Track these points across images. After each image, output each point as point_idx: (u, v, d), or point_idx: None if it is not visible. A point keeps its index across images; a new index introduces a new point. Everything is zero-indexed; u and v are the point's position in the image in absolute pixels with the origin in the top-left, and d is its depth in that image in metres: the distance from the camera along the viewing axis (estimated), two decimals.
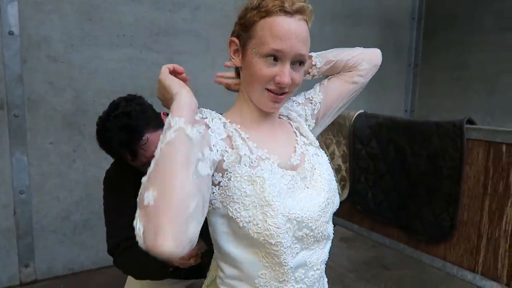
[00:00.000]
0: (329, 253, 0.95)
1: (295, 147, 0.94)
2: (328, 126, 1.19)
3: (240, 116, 0.93)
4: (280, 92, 0.86)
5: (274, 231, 0.78)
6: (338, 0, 3.82)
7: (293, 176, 0.86)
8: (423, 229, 1.59)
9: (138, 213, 0.66)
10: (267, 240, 0.78)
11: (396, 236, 1.79)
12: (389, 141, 1.74)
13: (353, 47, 1.17)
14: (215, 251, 0.91)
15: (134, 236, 1.25)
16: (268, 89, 0.86)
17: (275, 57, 0.83)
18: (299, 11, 0.84)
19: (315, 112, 1.06)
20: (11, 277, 2.61)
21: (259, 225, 0.78)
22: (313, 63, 1.07)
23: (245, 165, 0.81)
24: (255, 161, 0.83)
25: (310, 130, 1.03)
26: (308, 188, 0.88)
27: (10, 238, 2.58)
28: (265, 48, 0.83)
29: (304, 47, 0.85)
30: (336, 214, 0.97)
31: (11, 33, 2.43)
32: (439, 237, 1.54)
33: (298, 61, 0.86)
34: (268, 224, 0.77)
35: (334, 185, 0.95)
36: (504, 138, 1.37)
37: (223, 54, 3.45)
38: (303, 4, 0.85)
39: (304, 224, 0.82)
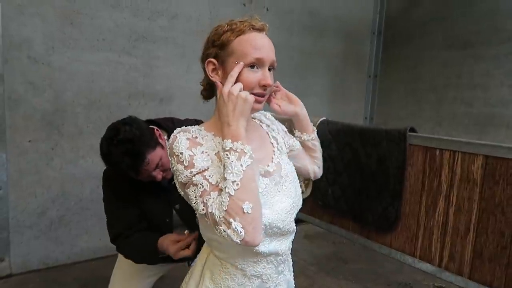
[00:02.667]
0: (292, 249, 1.15)
1: (272, 157, 1.09)
2: None
3: (218, 125, 1.02)
4: (263, 94, 1.01)
5: None
6: (304, 13, 4.10)
7: (267, 183, 1.01)
8: (373, 220, 1.86)
9: (235, 222, 0.85)
10: None
11: (351, 228, 2.05)
12: (346, 144, 2.00)
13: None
14: (205, 239, 1.10)
15: (131, 227, 1.50)
16: (253, 93, 0.98)
17: (257, 65, 0.98)
18: (263, 29, 1.03)
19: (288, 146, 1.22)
20: None
21: None
22: (311, 137, 1.27)
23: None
24: None
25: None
26: (279, 192, 1.04)
27: None
28: (247, 58, 0.97)
29: (274, 55, 1.03)
30: (300, 210, 1.17)
31: None
32: (386, 227, 1.82)
33: (272, 67, 1.03)
34: None
35: (299, 190, 1.12)
36: (437, 144, 1.66)
37: (198, 61, 3.64)
38: (263, 23, 1.04)
39: (274, 225, 0.99)
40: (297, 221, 1.15)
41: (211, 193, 0.90)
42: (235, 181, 0.86)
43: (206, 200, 0.90)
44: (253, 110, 1.01)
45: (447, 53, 4.02)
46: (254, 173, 0.90)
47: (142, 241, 1.55)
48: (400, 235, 1.83)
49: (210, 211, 0.89)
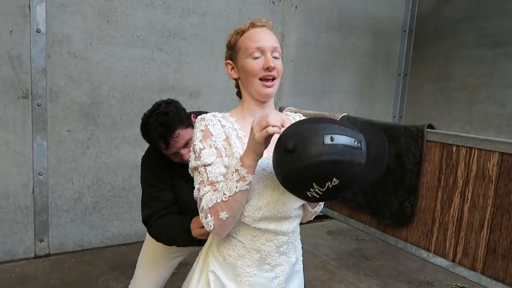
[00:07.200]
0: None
1: None
2: None
3: (241, 113, 1.21)
4: (270, 78, 1.14)
5: (248, 207, 1.10)
6: (333, 11, 4.12)
7: None
8: (390, 215, 1.89)
9: (211, 217, 1.07)
10: (243, 214, 1.11)
11: (368, 222, 2.09)
12: None
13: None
14: None
15: (168, 207, 1.57)
16: (260, 79, 1.13)
17: (258, 53, 1.13)
18: (265, 25, 1.19)
19: None
20: (26, 249, 2.90)
21: None
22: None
23: (235, 158, 1.08)
24: None
25: None
26: None
27: (27, 215, 2.87)
28: (249, 50, 1.14)
29: (275, 43, 1.16)
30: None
31: (38, 31, 2.73)
32: (402, 221, 1.85)
33: (276, 53, 1.16)
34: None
35: None
36: (454, 140, 1.68)
37: None
38: (266, 22, 1.20)
39: (271, 207, 1.11)
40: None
41: (206, 186, 1.10)
42: (225, 194, 1.04)
43: (201, 188, 1.10)
44: (265, 95, 1.16)
45: (479, 52, 3.94)
46: (243, 197, 1.05)
47: (176, 220, 1.66)
48: (415, 230, 1.86)
49: (200, 198, 1.10)
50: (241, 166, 1.01)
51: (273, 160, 1.03)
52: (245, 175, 1.01)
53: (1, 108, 2.70)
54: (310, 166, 0.94)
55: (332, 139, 0.93)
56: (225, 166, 1.11)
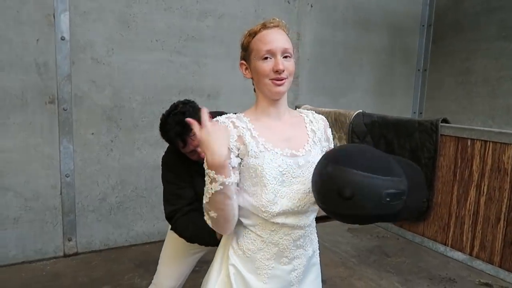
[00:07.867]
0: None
1: (305, 144, 1.23)
2: (332, 123, 1.52)
3: (255, 113, 1.25)
4: (280, 78, 1.17)
5: (266, 203, 1.15)
6: (349, 7, 4.12)
7: (290, 164, 1.17)
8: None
9: (206, 216, 1.15)
10: (261, 209, 1.17)
11: None
12: (380, 136, 2.05)
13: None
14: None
15: (191, 204, 1.63)
16: (271, 79, 1.16)
17: (269, 55, 1.15)
18: (276, 26, 1.20)
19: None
20: (56, 248, 3.03)
21: (258, 198, 1.15)
22: None
23: (251, 156, 1.15)
24: (259, 153, 1.15)
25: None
26: (303, 174, 1.18)
27: (56, 215, 3.00)
28: (260, 52, 1.16)
29: (286, 43, 1.18)
30: None
31: (62, 38, 2.85)
32: (419, 216, 1.85)
33: (286, 54, 1.18)
34: (263, 197, 1.15)
35: None
36: (469, 134, 1.68)
37: None
38: (279, 21, 1.21)
39: (288, 202, 1.16)
40: None
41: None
42: (206, 196, 1.11)
43: (206, 190, 1.14)
44: (275, 93, 1.19)
45: (500, 44, 3.86)
46: (222, 197, 1.09)
47: (202, 219, 1.70)
48: (432, 224, 1.86)
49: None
50: (207, 168, 1.06)
51: (315, 184, 1.09)
52: (214, 176, 1.06)
53: (30, 114, 2.83)
54: (361, 216, 1.02)
55: (388, 196, 0.98)
56: (233, 167, 1.14)
